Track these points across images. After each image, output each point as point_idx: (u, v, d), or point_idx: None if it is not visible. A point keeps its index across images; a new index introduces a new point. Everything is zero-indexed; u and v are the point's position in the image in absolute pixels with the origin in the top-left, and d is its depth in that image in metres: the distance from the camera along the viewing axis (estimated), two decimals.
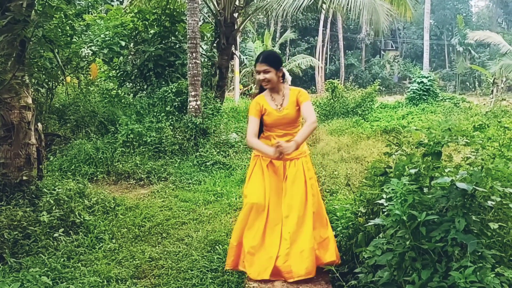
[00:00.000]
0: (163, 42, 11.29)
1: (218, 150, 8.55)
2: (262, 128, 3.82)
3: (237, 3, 11.89)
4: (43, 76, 8.93)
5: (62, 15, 8.39)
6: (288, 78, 3.84)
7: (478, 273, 2.24)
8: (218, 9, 11.62)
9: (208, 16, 14.16)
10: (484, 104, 17.52)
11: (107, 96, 11.06)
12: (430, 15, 34.25)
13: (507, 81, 18.33)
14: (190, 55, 9.34)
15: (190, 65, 9.31)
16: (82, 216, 4.93)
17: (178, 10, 11.37)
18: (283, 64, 4.00)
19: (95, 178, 7.12)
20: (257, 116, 3.71)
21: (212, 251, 4.33)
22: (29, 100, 5.18)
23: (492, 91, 17.85)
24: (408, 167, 3.04)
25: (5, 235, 4.21)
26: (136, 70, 11.37)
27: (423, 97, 18.87)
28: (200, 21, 10.38)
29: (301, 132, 3.48)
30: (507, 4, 52.39)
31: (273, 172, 3.71)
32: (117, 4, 14.55)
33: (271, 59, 3.67)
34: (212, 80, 11.79)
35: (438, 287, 2.35)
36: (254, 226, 3.60)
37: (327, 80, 18.43)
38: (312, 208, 3.60)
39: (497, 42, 19.66)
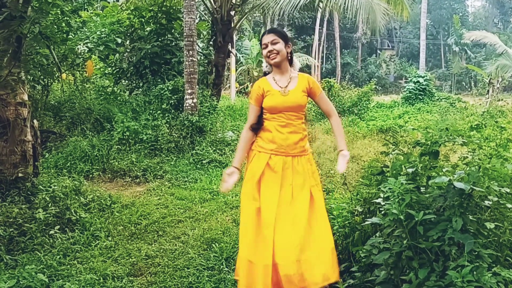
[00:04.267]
0: (160, 39, 11.26)
1: (214, 148, 8.54)
2: (261, 120, 3.37)
3: (233, 1, 11.86)
4: (39, 72, 8.89)
5: (59, 11, 8.36)
6: (297, 63, 3.49)
7: (475, 272, 2.25)
8: (215, 7, 11.59)
9: (205, 14, 14.12)
10: (480, 104, 17.58)
11: (103, 93, 11.01)
12: (426, 15, 34.30)
13: (503, 81, 18.40)
14: (187, 52, 9.32)
15: (187, 63, 9.29)
16: (78, 214, 4.91)
17: (174, 7, 11.34)
18: None
19: (90, 175, 7.09)
20: (256, 104, 3.33)
21: (208, 249, 4.33)
22: (25, 97, 5.15)
23: (488, 91, 17.92)
24: (405, 166, 3.04)
25: (1, 232, 4.18)
26: (132, 68, 11.34)
27: (419, 96, 18.93)
28: (196, 19, 10.34)
29: (340, 136, 3.34)
30: (503, 4, 52.58)
31: (271, 170, 3.26)
32: (113, 1, 14.49)
33: (279, 31, 3.40)
34: (208, 78, 11.76)
35: (435, 286, 2.36)
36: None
37: (323, 79, 18.43)
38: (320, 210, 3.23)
39: (493, 42, 19.71)
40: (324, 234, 3.13)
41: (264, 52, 3.31)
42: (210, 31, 12.22)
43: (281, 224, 3.11)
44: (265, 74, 3.44)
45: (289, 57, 3.38)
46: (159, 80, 10.71)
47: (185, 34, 9.34)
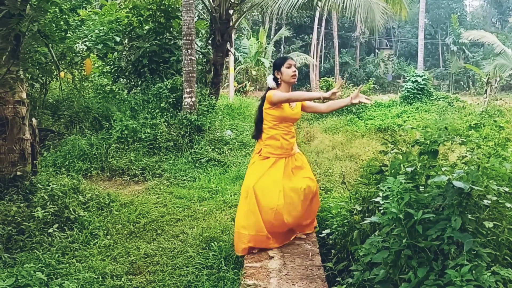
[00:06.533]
0: (158, 38, 11.25)
1: (212, 147, 8.54)
2: (261, 128, 4.19)
3: (232, 0, 11.86)
4: (37, 71, 8.87)
5: (57, 9, 8.34)
6: None
7: (473, 271, 2.25)
8: (213, 5, 11.58)
9: (203, 12, 14.11)
10: (478, 104, 17.60)
11: (101, 92, 11.01)
12: (424, 14, 34.32)
13: (501, 80, 18.42)
14: (185, 51, 9.31)
15: (185, 61, 9.29)
16: (76, 212, 4.91)
17: (173, 6, 11.32)
18: None
19: (89, 174, 7.08)
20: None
21: (207, 248, 4.33)
22: (24, 95, 5.14)
23: (486, 90, 17.93)
24: (404, 165, 3.05)
25: None
26: (130, 66, 11.33)
27: (417, 96, 18.93)
28: (195, 17, 10.33)
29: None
30: (501, 4, 52.64)
31: (282, 165, 4.12)
32: (112, 0, 14.47)
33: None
34: (206, 77, 11.75)
35: (434, 285, 2.36)
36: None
37: (322, 78, 18.48)
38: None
39: (491, 41, 19.73)
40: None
41: (290, 71, 4.05)
42: (208, 29, 12.20)
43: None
44: (269, 89, 4.13)
45: None
46: (158, 79, 10.70)
47: (183, 32, 9.34)
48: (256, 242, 3.95)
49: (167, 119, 8.97)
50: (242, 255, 3.99)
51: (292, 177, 4.15)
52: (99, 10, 12.33)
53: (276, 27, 40.24)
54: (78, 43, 10.35)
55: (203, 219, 5.23)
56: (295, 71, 4.06)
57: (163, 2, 11.14)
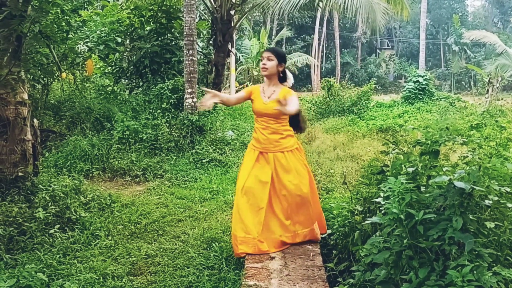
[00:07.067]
0: (159, 39, 11.26)
1: (214, 148, 8.54)
2: None
3: (233, 0, 11.87)
4: (39, 72, 8.88)
5: (59, 10, 8.35)
6: (290, 79, 4.17)
7: (475, 272, 2.25)
8: (215, 6, 11.60)
9: (205, 13, 14.13)
10: (480, 104, 17.57)
11: (103, 92, 11.01)
12: (426, 14, 34.32)
13: (503, 80, 18.39)
14: (187, 52, 9.31)
15: (187, 62, 9.29)
16: (78, 213, 4.91)
17: (174, 7, 11.32)
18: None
19: (90, 174, 7.09)
20: (244, 92, 4.16)
21: (208, 249, 4.32)
22: (25, 96, 5.15)
23: (488, 90, 17.90)
24: (405, 165, 3.04)
25: (1, 231, 4.18)
26: (132, 67, 11.33)
27: (419, 96, 18.90)
28: (196, 18, 10.34)
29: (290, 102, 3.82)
30: (503, 3, 52.55)
31: (265, 161, 4.09)
32: (113, 1, 14.47)
33: (277, 50, 4.13)
34: (208, 77, 11.77)
35: (435, 286, 2.36)
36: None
37: (323, 79, 18.42)
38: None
39: (493, 41, 19.69)
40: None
41: (260, 64, 4.06)
42: (210, 30, 12.22)
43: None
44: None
45: (280, 75, 4.07)
46: (159, 79, 10.71)
47: (185, 33, 9.34)
48: (247, 245, 3.90)
49: (168, 119, 8.98)
50: (239, 257, 3.97)
51: (275, 178, 4.06)
52: (101, 11, 12.33)
53: (278, 28, 40.22)
54: (80, 44, 10.35)
55: (204, 220, 5.22)
56: (264, 64, 4.00)
57: (164, 3, 11.15)
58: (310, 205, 4.14)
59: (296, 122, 4.19)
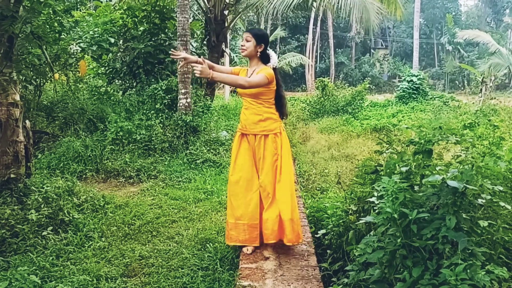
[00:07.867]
0: (153, 39, 11.22)
1: (208, 148, 8.51)
2: None
3: (227, 0, 11.86)
4: (31, 72, 8.83)
5: (51, 11, 8.29)
6: (273, 58, 4.06)
7: (468, 270, 2.25)
8: (208, 6, 11.58)
9: (198, 13, 14.11)
10: (473, 103, 17.65)
11: (96, 93, 10.97)
12: (419, 14, 34.44)
13: (496, 80, 18.48)
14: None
15: (180, 62, 9.24)
16: (71, 214, 4.88)
17: (168, 7, 11.30)
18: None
19: (84, 176, 7.05)
20: (233, 70, 4.26)
21: (202, 249, 4.31)
22: (17, 97, 5.11)
23: (481, 90, 17.99)
24: (399, 165, 3.04)
25: None
26: (125, 67, 11.29)
27: (413, 95, 18.99)
28: (190, 18, 10.32)
29: (223, 73, 4.00)
30: (496, 3, 52.84)
31: (247, 143, 4.09)
32: (106, 1, 14.43)
33: (255, 31, 4.06)
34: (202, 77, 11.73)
35: (429, 285, 2.36)
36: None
37: (317, 78, 18.47)
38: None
39: (486, 41, 19.80)
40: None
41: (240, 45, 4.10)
42: (203, 30, 12.20)
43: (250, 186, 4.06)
44: (274, 69, 4.01)
45: (259, 55, 4.01)
46: (153, 80, 10.67)
47: (178, 33, 9.32)
48: (237, 230, 4.02)
49: (162, 120, 8.95)
50: (230, 244, 4.10)
51: (257, 161, 4.09)
52: (94, 11, 12.29)
53: (272, 28, 40.23)
54: (73, 44, 10.31)
55: (199, 221, 5.21)
56: (242, 45, 4.01)
57: (157, 3, 11.12)
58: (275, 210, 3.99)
59: (278, 106, 4.10)
